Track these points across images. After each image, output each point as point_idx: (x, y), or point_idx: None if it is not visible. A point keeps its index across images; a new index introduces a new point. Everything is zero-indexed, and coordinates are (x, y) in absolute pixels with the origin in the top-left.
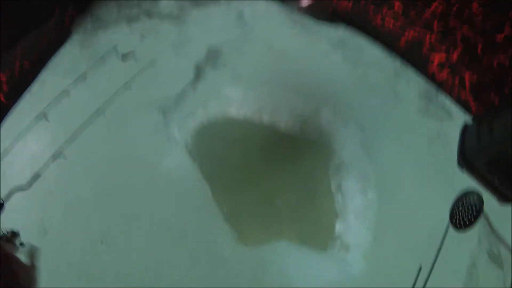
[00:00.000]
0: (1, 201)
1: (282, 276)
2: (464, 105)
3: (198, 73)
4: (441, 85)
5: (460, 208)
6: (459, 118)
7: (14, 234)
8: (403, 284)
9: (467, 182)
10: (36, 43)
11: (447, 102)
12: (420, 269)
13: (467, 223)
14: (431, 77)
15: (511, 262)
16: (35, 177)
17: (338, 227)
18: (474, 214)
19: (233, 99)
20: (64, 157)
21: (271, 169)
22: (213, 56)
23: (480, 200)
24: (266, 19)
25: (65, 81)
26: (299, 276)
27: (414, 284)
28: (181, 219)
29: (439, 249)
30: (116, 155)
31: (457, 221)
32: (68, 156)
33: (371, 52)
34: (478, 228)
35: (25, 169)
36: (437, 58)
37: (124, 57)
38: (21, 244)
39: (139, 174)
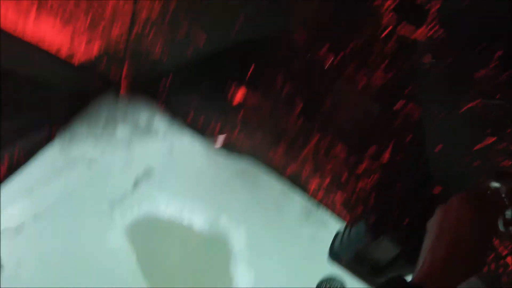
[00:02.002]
0: None
1: None
2: (339, 217)
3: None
4: (320, 202)
5: None
6: (334, 226)
7: None
8: None
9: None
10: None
11: (325, 215)
12: None
13: None
14: (312, 196)
15: None
16: None
17: None
18: None
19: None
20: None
21: (184, 265)
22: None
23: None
24: (190, 151)
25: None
26: None
27: None
28: None
29: None
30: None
31: None
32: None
33: (266, 178)
34: None
35: None
36: (314, 183)
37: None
38: None
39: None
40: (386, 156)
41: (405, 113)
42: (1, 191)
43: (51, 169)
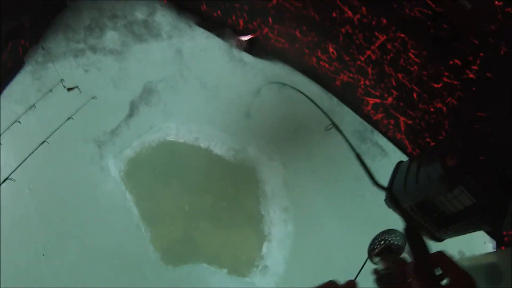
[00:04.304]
0: None
1: None
2: (400, 145)
3: (133, 109)
4: (377, 125)
5: (382, 244)
6: (394, 156)
7: None
8: None
9: (393, 219)
10: None
11: (382, 141)
12: None
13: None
14: (366, 117)
15: None
16: None
17: (260, 253)
18: (395, 252)
19: (167, 132)
20: (12, 179)
21: (203, 190)
22: (148, 94)
23: (402, 239)
24: (204, 55)
25: (17, 108)
26: None
27: None
28: (109, 241)
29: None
30: (57, 180)
31: (375, 257)
32: (16, 178)
33: (307, 90)
34: None
35: None
36: (372, 101)
37: (70, 90)
38: None
39: (75, 199)
40: (473, 70)
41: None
42: None
43: (22, 100)
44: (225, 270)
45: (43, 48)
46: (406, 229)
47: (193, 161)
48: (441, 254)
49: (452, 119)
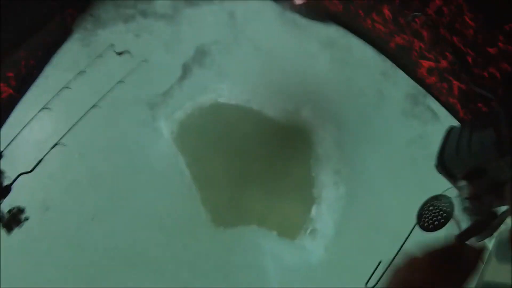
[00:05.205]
0: (8, 183)
1: (246, 257)
2: (452, 110)
3: (186, 71)
4: (429, 89)
5: (431, 210)
6: (445, 121)
7: (19, 210)
8: (360, 278)
9: (443, 185)
10: (40, 42)
11: (435, 105)
12: (379, 263)
13: (435, 226)
14: (419, 81)
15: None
16: (38, 161)
17: (309, 216)
18: (444, 218)
19: (220, 93)
20: (63, 144)
21: (253, 154)
22: (201, 56)
23: (452, 205)
24: (258, 18)
25: (66, 75)
26: (260, 258)
27: (369, 278)
28: (161, 203)
29: (401, 248)
30: (108, 144)
31: (425, 223)
32: (67, 143)
33: (361, 53)
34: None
35: (30, 154)
36: (426, 64)
37: (120, 54)
38: (26, 218)
39: (127, 162)
40: None
41: None
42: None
43: (72, 68)
44: (274, 233)
45: (91, 15)
46: None
47: (244, 124)
48: None
49: (506, 86)
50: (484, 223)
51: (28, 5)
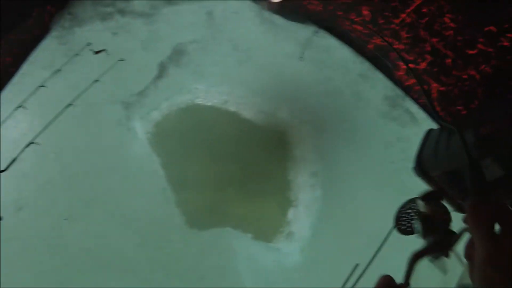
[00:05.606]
0: None
1: (221, 259)
2: (432, 113)
3: (162, 70)
4: (408, 91)
5: (408, 212)
6: (424, 124)
7: None
8: (336, 282)
9: (421, 188)
10: (17, 39)
11: (414, 108)
12: (356, 266)
13: (413, 229)
14: (398, 82)
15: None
16: (12, 160)
17: (285, 218)
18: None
19: (197, 94)
20: (37, 143)
21: (230, 156)
22: (178, 55)
23: (429, 205)
24: (235, 17)
25: (43, 73)
26: (234, 261)
27: (346, 281)
28: (135, 204)
29: (378, 250)
30: (82, 143)
31: (402, 226)
32: (41, 142)
33: (339, 54)
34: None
35: (4, 153)
36: (404, 66)
37: (97, 53)
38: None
39: (101, 162)
40: (508, 38)
41: None
42: None
43: (49, 66)
44: (250, 235)
45: (69, 13)
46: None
47: (220, 125)
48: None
49: (485, 87)
50: (441, 242)
51: (5, 2)
